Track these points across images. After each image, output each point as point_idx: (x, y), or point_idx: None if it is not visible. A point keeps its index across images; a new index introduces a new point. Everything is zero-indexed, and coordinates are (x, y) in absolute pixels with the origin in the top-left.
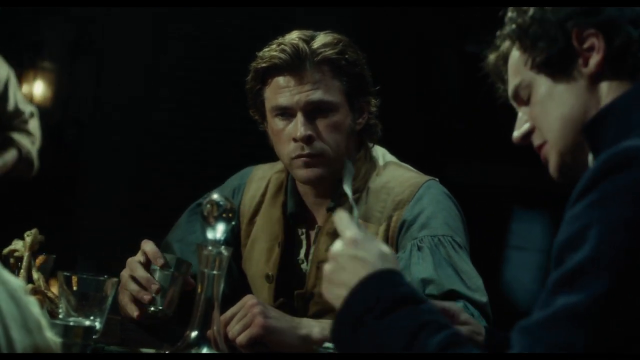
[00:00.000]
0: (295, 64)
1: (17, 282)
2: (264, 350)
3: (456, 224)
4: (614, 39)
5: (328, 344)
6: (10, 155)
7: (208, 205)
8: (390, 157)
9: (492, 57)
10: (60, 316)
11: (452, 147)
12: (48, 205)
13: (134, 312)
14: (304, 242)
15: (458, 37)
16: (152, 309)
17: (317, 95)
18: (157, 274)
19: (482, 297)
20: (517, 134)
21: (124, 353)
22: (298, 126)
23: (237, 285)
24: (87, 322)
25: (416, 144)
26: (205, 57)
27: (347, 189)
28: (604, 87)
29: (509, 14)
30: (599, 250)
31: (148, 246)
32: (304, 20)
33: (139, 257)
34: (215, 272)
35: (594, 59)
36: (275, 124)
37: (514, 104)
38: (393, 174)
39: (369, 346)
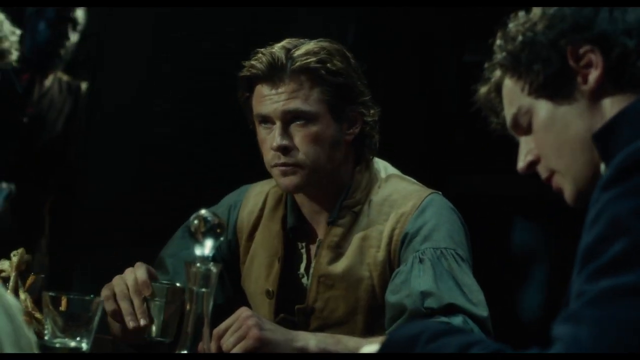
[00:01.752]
0: (272, 74)
1: (12, 299)
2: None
3: (459, 237)
4: (611, 52)
5: None
6: None
7: (195, 221)
8: (392, 170)
9: (483, 89)
10: (46, 337)
11: (453, 158)
12: (44, 223)
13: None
14: (304, 256)
15: (456, 47)
16: (147, 337)
17: (294, 104)
18: (150, 303)
19: (483, 311)
20: (522, 164)
21: (124, 353)
22: (275, 135)
23: (232, 302)
24: (73, 344)
25: (417, 155)
26: (206, 64)
27: None
28: (607, 102)
29: (497, 41)
30: (637, 240)
31: (139, 272)
32: (306, 21)
33: (130, 280)
34: (204, 289)
35: (593, 75)
36: (260, 132)
37: (514, 134)
38: (395, 187)
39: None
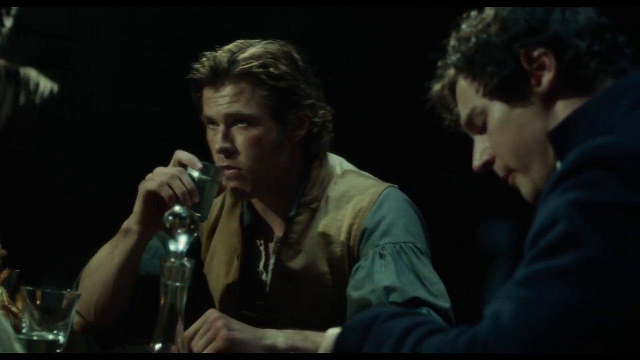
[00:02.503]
0: (215, 78)
1: None
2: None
3: (417, 230)
4: (564, 55)
5: None
6: None
7: (170, 218)
8: (348, 166)
9: (436, 87)
10: (24, 330)
11: (421, 157)
12: (14, 220)
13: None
14: (263, 254)
15: (422, 45)
16: (190, 215)
17: (235, 107)
18: (197, 180)
19: (445, 302)
20: (477, 163)
21: (124, 353)
22: (217, 138)
23: (198, 300)
24: (51, 336)
25: (384, 153)
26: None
27: None
28: (561, 103)
29: (451, 42)
30: (574, 227)
31: (183, 154)
32: (277, 20)
33: (173, 167)
34: (178, 283)
35: (547, 77)
36: (208, 133)
37: (468, 132)
38: (352, 183)
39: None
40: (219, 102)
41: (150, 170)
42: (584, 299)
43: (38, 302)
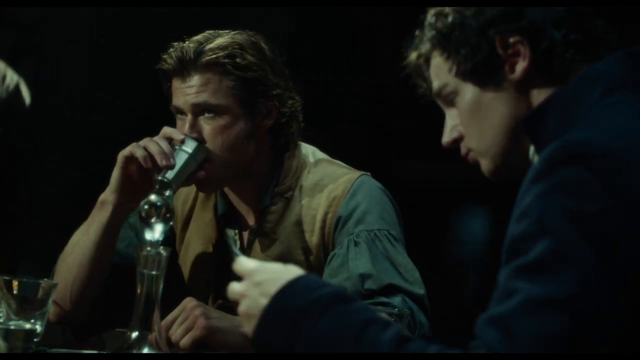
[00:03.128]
0: (181, 68)
1: None
2: (208, 352)
3: (391, 217)
4: (539, 44)
5: None
6: None
7: (146, 207)
8: (320, 155)
9: (412, 55)
10: (1, 320)
11: (397, 145)
12: None
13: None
14: (238, 243)
15: (397, 33)
16: (160, 178)
17: (202, 97)
18: (177, 150)
19: (420, 289)
20: (446, 139)
21: (123, 353)
22: (185, 127)
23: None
24: (28, 326)
25: (361, 143)
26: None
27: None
28: (534, 92)
29: (428, 17)
30: (561, 241)
31: (169, 128)
32: (249, 12)
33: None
34: (154, 272)
35: (520, 66)
36: (177, 123)
37: (439, 103)
38: (325, 171)
39: (310, 346)
40: (186, 92)
41: None
42: (578, 329)
43: (15, 292)
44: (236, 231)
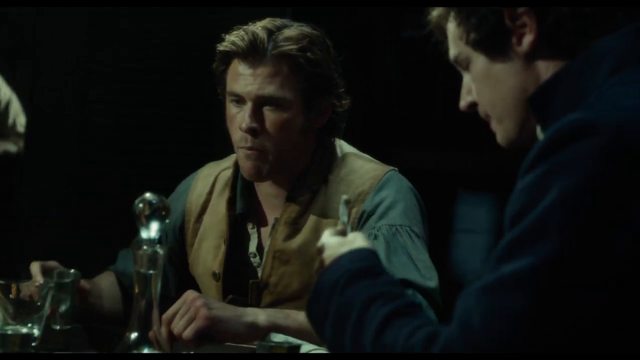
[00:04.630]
0: (252, 54)
1: None
2: (212, 344)
3: (414, 214)
4: (546, 17)
5: (273, 335)
6: (10, 145)
7: (140, 205)
8: (348, 148)
9: (434, 13)
10: None
11: (395, 135)
12: None
13: None
14: (255, 236)
15: (393, 23)
16: (52, 326)
17: (269, 89)
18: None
19: (433, 284)
20: (463, 103)
21: (123, 353)
22: (245, 117)
23: (184, 286)
24: (25, 330)
25: (359, 133)
26: (148, 57)
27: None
28: (542, 65)
29: None
30: (545, 217)
31: (33, 268)
32: (239, 10)
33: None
34: (151, 271)
35: (527, 38)
36: (230, 108)
37: (457, 68)
38: (352, 166)
39: (333, 319)
40: (252, 80)
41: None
42: (540, 307)
43: (12, 296)
44: (254, 224)
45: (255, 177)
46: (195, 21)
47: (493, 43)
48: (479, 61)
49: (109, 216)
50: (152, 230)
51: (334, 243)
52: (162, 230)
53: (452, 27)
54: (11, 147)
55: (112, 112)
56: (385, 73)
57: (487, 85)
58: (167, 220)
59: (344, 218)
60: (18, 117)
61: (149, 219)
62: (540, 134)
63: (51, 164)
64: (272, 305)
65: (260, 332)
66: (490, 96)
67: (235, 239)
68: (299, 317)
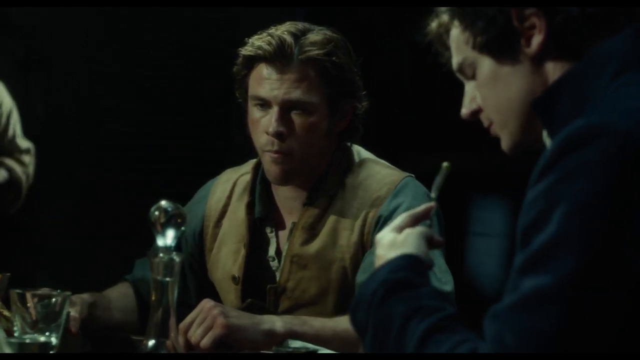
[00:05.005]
0: (279, 58)
1: None
2: (229, 352)
3: (430, 220)
4: (555, 18)
5: (291, 341)
6: (1, 174)
7: (156, 212)
8: (366, 154)
9: (433, 24)
10: (16, 334)
11: (406, 137)
12: (3, 223)
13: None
14: (274, 240)
15: (405, 26)
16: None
17: (296, 94)
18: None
19: (449, 288)
20: (465, 110)
21: (123, 353)
22: (272, 121)
23: (203, 293)
24: (43, 339)
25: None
26: (163, 65)
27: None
28: (550, 66)
29: None
30: (563, 230)
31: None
32: (250, 12)
33: None
34: (168, 279)
35: (536, 39)
36: (253, 113)
37: (460, 77)
38: (369, 172)
39: (373, 332)
40: (277, 85)
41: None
42: (573, 321)
43: (29, 305)
44: (272, 229)
45: (281, 180)
46: (203, 22)
47: (501, 45)
48: (486, 65)
49: (125, 224)
50: (168, 238)
51: (387, 243)
52: (180, 237)
53: (456, 33)
54: (2, 173)
55: (126, 120)
56: (397, 77)
57: (494, 89)
58: (182, 228)
59: (436, 192)
60: (17, 129)
61: (164, 226)
62: (546, 138)
63: (65, 174)
64: (289, 310)
65: (277, 339)
66: (496, 100)
67: (255, 243)
68: (315, 323)
